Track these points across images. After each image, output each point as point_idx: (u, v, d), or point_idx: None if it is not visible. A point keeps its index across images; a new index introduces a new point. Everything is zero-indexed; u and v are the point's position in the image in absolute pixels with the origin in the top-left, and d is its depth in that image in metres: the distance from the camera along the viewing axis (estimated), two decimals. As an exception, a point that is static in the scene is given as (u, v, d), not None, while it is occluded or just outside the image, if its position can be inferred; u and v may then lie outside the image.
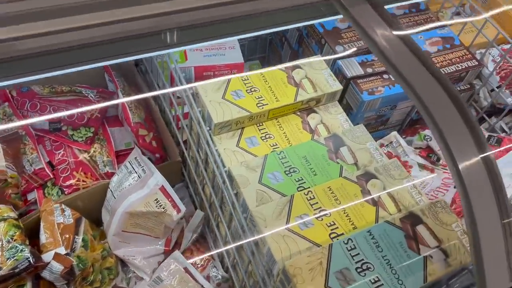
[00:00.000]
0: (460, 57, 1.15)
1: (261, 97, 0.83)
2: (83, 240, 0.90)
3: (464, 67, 1.13)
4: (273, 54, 1.45)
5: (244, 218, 0.69)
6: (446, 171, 1.01)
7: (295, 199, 0.67)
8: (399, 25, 0.61)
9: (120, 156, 1.11)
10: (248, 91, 0.84)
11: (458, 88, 1.17)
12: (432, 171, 1.02)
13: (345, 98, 1.12)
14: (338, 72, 1.11)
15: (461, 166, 0.50)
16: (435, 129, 0.52)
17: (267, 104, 0.82)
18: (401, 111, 1.15)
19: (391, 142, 1.10)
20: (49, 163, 1.05)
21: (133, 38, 0.58)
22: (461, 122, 0.53)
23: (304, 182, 0.73)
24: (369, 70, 1.10)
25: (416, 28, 1.19)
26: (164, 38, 0.62)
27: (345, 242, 0.61)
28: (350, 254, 0.59)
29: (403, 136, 1.17)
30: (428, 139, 1.10)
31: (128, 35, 0.58)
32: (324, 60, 1.16)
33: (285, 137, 0.82)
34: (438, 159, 1.06)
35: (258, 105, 0.82)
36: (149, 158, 1.13)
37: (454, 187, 0.97)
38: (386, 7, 0.69)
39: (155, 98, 1.13)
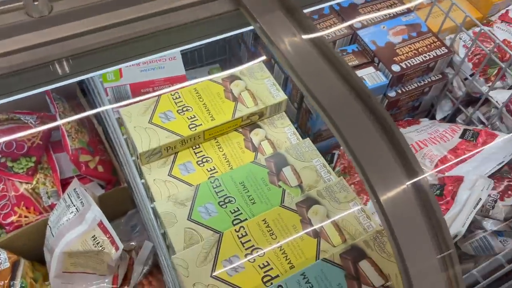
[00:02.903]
0: (428, 46, 1.05)
1: (194, 116, 0.75)
2: (21, 285, 0.83)
3: (432, 56, 1.03)
4: (234, 56, 1.36)
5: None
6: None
7: (224, 239, 0.59)
8: (316, 34, 0.52)
9: (68, 184, 1.03)
10: (179, 111, 0.75)
11: (429, 79, 1.07)
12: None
13: (304, 102, 1.03)
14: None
15: (384, 199, 0.42)
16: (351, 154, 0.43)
17: (201, 124, 0.74)
18: (367, 109, 1.06)
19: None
20: (-12, 200, 0.97)
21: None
22: (383, 142, 0.44)
23: (241, 213, 0.65)
24: (328, 69, 1.00)
25: (376, 18, 1.10)
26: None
27: (274, 291, 0.53)
28: (280, 305, 0.52)
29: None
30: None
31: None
32: (276, 61, 1.07)
33: (225, 159, 0.74)
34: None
35: (190, 126, 0.73)
36: (99, 185, 1.05)
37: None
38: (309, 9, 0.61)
39: (98, 118, 1.04)
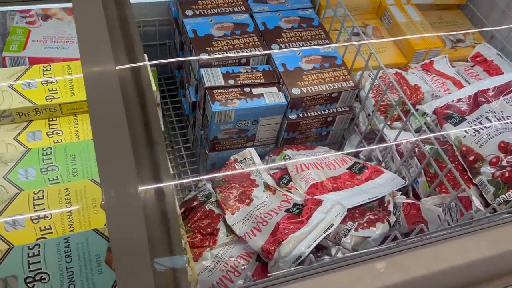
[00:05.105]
0: (336, 77, 1.08)
1: (56, 89, 0.77)
2: None
3: (336, 87, 1.06)
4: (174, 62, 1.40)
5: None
6: (285, 193, 0.93)
7: (19, 198, 0.61)
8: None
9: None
10: (43, 82, 0.78)
11: (334, 110, 1.10)
12: (274, 192, 0.94)
13: (205, 109, 1.06)
14: (199, 81, 1.06)
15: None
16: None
17: (59, 98, 0.77)
18: (268, 127, 1.08)
19: (245, 158, 1.02)
20: None
21: None
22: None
23: (58, 183, 0.66)
24: (231, 81, 1.03)
25: (297, 44, 1.13)
26: None
27: (30, 247, 0.54)
28: (28, 261, 0.52)
29: (270, 155, 1.09)
30: (287, 159, 1.02)
31: None
32: (192, 67, 1.11)
33: (76, 135, 0.76)
34: (289, 181, 0.98)
35: (47, 97, 0.76)
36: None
37: (285, 211, 0.88)
38: None
39: None
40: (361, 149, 1.07)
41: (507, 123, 0.93)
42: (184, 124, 1.33)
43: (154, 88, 0.82)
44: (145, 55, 0.91)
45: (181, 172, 1.25)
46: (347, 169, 1.01)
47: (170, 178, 0.45)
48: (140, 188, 0.44)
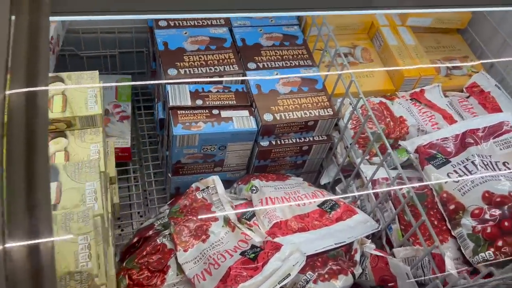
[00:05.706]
0: (314, 104, 0.99)
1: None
2: None
3: (313, 115, 0.97)
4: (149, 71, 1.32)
5: None
6: (244, 232, 0.84)
7: None
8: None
9: None
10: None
11: (310, 138, 1.01)
12: (233, 229, 0.86)
13: (169, 130, 0.98)
14: (165, 98, 0.97)
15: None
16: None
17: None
18: (237, 153, 1.00)
19: (207, 187, 0.94)
20: None
21: None
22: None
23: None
24: (199, 102, 0.95)
25: (277, 63, 1.05)
26: None
27: None
28: None
29: (239, 183, 1.01)
30: (254, 191, 0.94)
31: None
32: (161, 82, 1.03)
33: None
34: (252, 216, 0.90)
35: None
36: None
37: (240, 254, 0.80)
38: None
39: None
40: (335, 196, 0.99)
41: (494, 169, 0.84)
42: (156, 139, 1.25)
43: (99, 110, 0.74)
44: (91, 74, 0.83)
45: (147, 191, 1.17)
46: (318, 206, 0.92)
47: (51, 239, 0.37)
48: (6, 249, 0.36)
